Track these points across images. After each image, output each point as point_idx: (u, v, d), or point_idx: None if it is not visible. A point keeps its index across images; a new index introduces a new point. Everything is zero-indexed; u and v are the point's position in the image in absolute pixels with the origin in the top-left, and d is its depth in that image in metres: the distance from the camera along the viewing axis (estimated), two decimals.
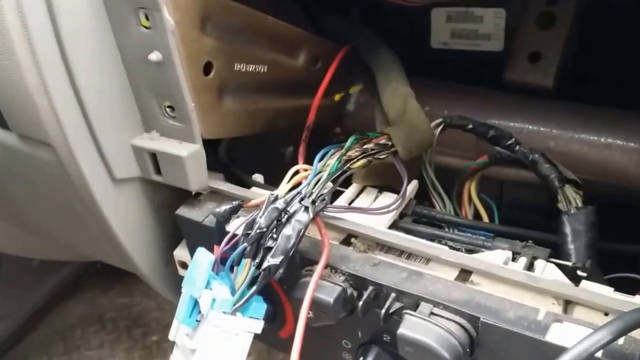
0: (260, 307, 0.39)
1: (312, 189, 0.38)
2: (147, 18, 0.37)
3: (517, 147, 0.45)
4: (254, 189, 0.46)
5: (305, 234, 0.39)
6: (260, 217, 0.37)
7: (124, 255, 0.47)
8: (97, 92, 0.40)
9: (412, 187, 0.44)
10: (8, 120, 0.44)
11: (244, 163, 0.51)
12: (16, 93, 0.41)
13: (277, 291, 0.43)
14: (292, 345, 0.39)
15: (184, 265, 0.49)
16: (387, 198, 0.44)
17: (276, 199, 0.37)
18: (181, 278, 0.49)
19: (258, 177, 0.49)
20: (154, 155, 0.42)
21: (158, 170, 0.43)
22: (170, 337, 0.41)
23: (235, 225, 0.39)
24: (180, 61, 0.38)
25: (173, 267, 0.50)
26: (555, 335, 0.32)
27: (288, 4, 0.51)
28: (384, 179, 0.44)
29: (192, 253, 0.47)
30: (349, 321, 0.39)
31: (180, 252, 0.49)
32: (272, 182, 0.48)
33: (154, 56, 0.38)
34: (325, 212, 0.39)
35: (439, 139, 0.48)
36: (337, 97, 0.54)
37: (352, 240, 0.40)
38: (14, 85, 0.40)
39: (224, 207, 0.40)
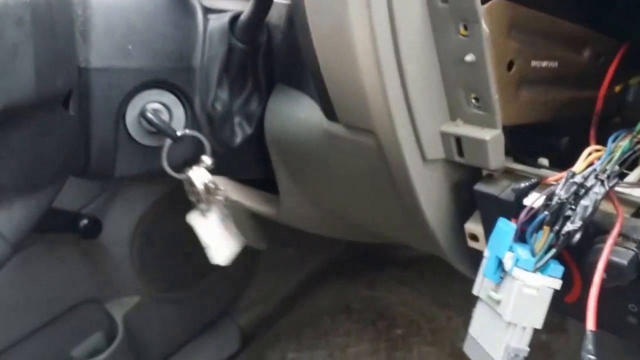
0: (557, 268, 0.49)
1: (606, 166, 0.47)
2: (465, 28, 0.49)
3: None
4: (542, 170, 0.56)
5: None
6: (560, 190, 0.47)
7: (426, 229, 0.61)
8: (419, 88, 0.53)
9: None
10: (339, 113, 0.60)
11: (521, 151, 0.61)
12: (352, 91, 0.56)
13: (566, 259, 0.53)
14: (577, 309, 0.49)
15: (473, 237, 0.61)
16: None
17: (574, 175, 0.47)
18: (470, 250, 0.62)
19: (544, 161, 0.59)
20: (458, 140, 0.55)
21: (460, 153, 0.56)
22: (474, 292, 0.53)
23: (532, 199, 0.50)
24: (490, 61, 0.50)
25: (463, 239, 0.62)
26: None
27: (571, 4, 0.60)
28: None
29: (485, 225, 0.59)
30: (637, 286, 0.48)
31: (471, 225, 0.61)
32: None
33: (469, 57, 0.50)
34: (616, 188, 0.48)
35: None
36: (617, 89, 0.62)
37: None
38: (352, 86, 0.56)
39: (523, 184, 0.52)
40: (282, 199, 0.81)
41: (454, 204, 0.61)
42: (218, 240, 0.71)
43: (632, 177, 0.52)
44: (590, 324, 0.44)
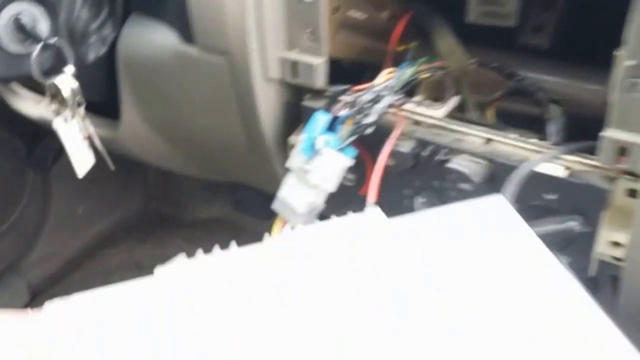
0: (353, 151, 0.66)
1: (397, 83, 0.67)
2: None
3: (523, 81, 0.75)
4: None
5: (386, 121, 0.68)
6: (363, 95, 0.66)
7: (260, 141, 0.76)
8: (270, 20, 0.69)
9: (456, 98, 0.74)
10: (198, 35, 0.74)
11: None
12: (216, 16, 0.70)
13: (364, 158, 0.72)
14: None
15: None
16: (440, 104, 0.74)
17: (374, 86, 0.67)
18: None
19: None
20: (294, 64, 0.72)
21: (294, 75, 0.72)
22: (287, 165, 0.68)
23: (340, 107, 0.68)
24: (325, 3, 0.67)
25: (286, 151, 0.78)
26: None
27: None
28: (436, 93, 0.74)
29: None
30: (410, 175, 0.68)
31: (294, 138, 0.77)
32: None
33: None
34: (404, 106, 0.69)
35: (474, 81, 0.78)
36: (401, 49, 0.83)
37: (418, 120, 0.69)
38: (216, 11, 0.70)
39: (338, 88, 0.69)
40: (123, 123, 0.91)
41: (282, 119, 0.77)
42: (78, 150, 0.79)
43: (415, 98, 0.73)
44: (372, 196, 0.63)
